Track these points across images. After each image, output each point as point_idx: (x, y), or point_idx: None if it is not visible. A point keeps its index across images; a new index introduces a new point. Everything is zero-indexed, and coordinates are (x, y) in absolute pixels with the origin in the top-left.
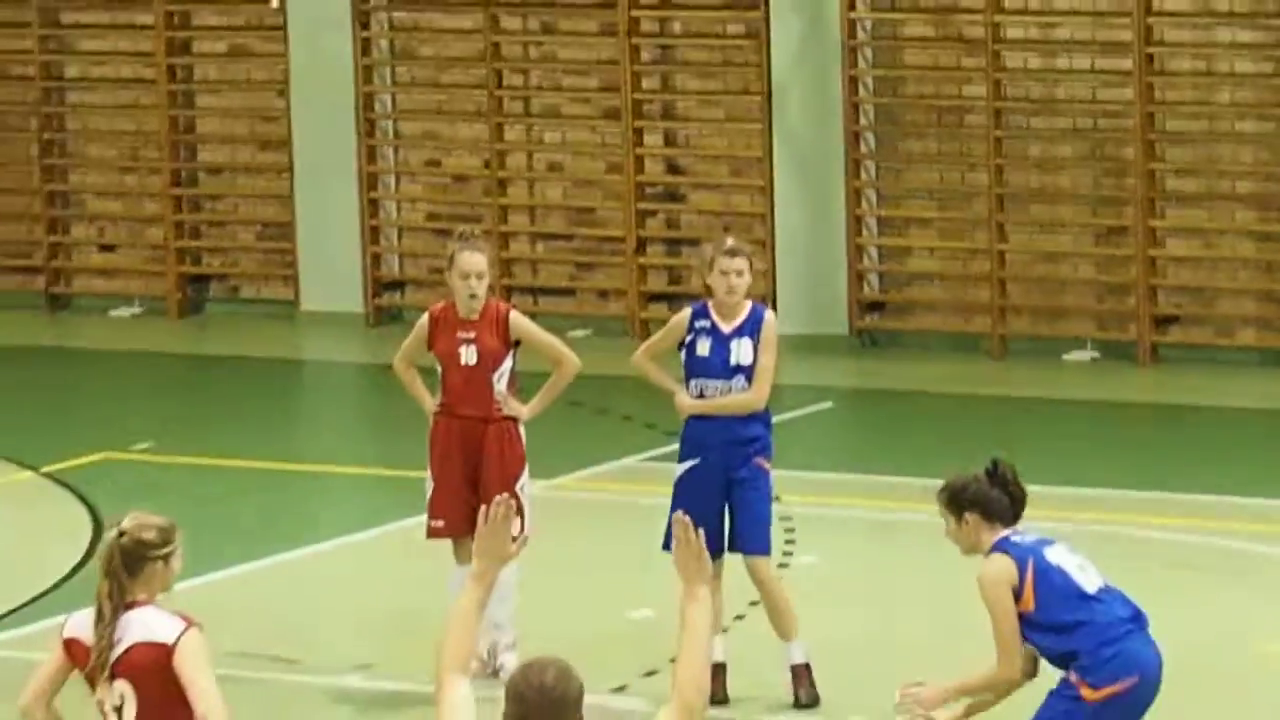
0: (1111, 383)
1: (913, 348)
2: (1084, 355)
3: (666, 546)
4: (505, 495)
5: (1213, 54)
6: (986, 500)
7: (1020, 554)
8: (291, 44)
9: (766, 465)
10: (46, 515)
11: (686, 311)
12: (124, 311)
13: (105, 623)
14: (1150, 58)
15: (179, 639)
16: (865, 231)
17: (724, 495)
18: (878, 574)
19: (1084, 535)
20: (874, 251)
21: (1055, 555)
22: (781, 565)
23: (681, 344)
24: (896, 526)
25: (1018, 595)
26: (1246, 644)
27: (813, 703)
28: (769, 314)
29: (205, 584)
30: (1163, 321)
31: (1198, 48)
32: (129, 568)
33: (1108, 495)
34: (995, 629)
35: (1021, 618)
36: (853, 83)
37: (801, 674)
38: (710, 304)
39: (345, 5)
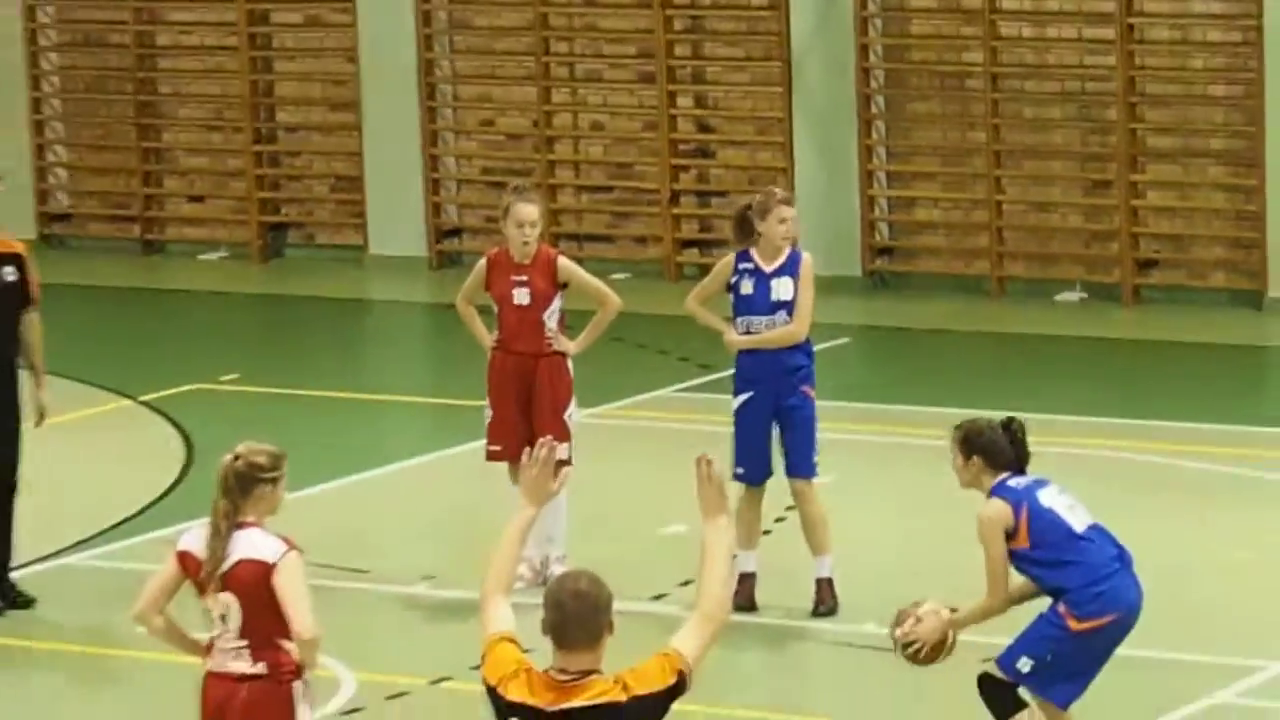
0: (1098, 321)
1: (919, 289)
2: (1073, 296)
3: (737, 477)
4: (549, 438)
5: (1188, 24)
6: (995, 449)
7: (1015, 497)
8: (360, 15)
9: (811, 392)
10: (143, 439)
11: (730, 257)
12: (211, 256)
13: (219, 538)
14: (1131, 27)
15: (280, 559)
16: (876, 184)
17: (774, 421)
18: (889, 492)
19: (1071, 459)
20: (884, 202)
21: (1047, 497)
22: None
23: (728, 286)
24: (907, 449)
25: (1013, 534)
26: (1215, 553)
27: (830, 612)
28: (806, 255)
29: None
30: (1143, 265)
31: (1174, 18)
32: (242, 488)
33: (1093, 422)
34: (988, 565)
35: (1018, 554)
36: (864, 50)
37: (825, 586)
38: (752, 249)
39: None
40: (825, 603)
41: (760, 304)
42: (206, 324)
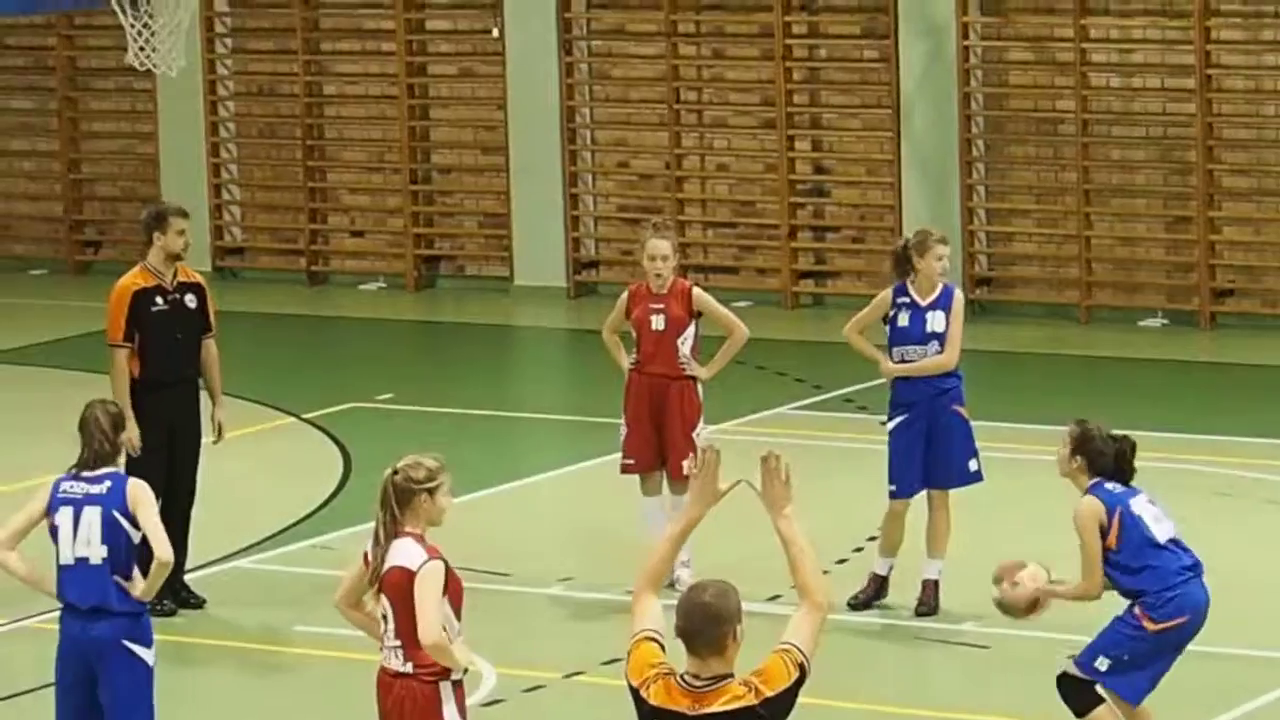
0: (1178, 345)
1: (1016, 315)
2: (1155, 322)
3: (892, 494)
4: (714, 446)
5: (1260, 75)
6: (1099, 457)
7: (1111, 500)
8: (509, 67)
9: (963, 410)
10: (306, 453)
11: (888, 291)
12: (370, 286)
13: (380, 545)
14: (1209, 78)
15: (421, 566)
16: (976, 220)
17: (928, 440)
18: (991, 501)
19: (1153, 471)
20: (984, 236)
21: (1138, 506)
22: None
23: (885, 317)
24: (1010, 463)
25: (1104, 534)
26: None
27: (930, 612)
28: (958, 291)
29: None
30: (1220, 294)
31: (1249, 69)
32: (399, 500)
33: (1174, 438)
34: (1084, 554)
35: (1103, 554)
36: (966, 98)
37: (931, 588)
38: (909, 283)
39: (553, 35)
40: (927, 602)
41: (916, 334)
42: (365, 349)
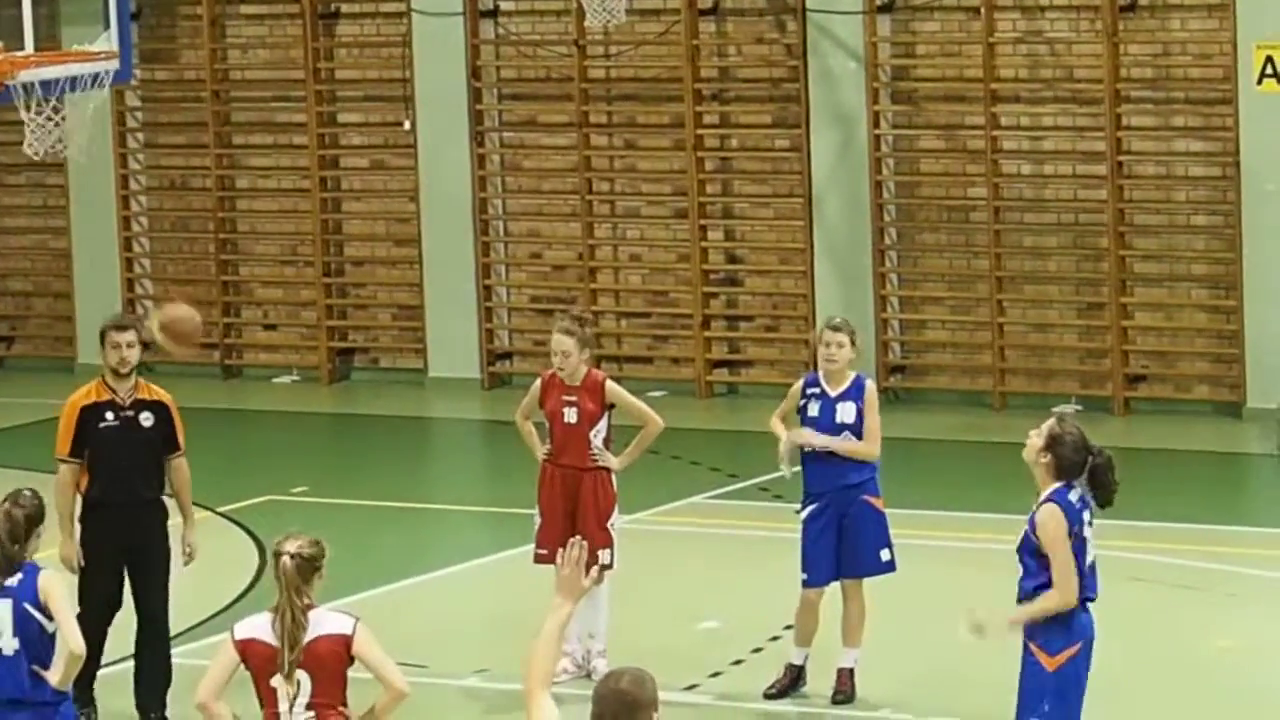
0: (1092, 430)
1: (930, 403)
2: (1069, 408)
3: (806, 584)
4: (578, 538)
5: (1171, 160)
6: (1068, 464)
7: (1071, 515)
8: (421, 159)
9: (874, 501)
10: (221, 547)
11: (800, 381)
12: (284, 379)
13: (295, 625)
14: (1120, 164)
15: (355, 629)
16: (889, 308)
17: (839, 530)
18: (906, 589)
19: None
20: (897, 324)
21: (1085, 529)
22: None
23: (798, 407)
24: (922, 550)
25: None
26: (1200, 642)
27: (847, 700)
28: (870, 382)
29: (348, 603)
30: (1133, 380)
31: (1158, 155)
32: (303, 577)
33: None
34: (1054, 561)
35: (1043, 557)
36: (878, 186)
37: (846, 676)
38: (821, 373)
39: (464, 127)
40: (844, 690)
41: (825, 425)
42: (279, 441)
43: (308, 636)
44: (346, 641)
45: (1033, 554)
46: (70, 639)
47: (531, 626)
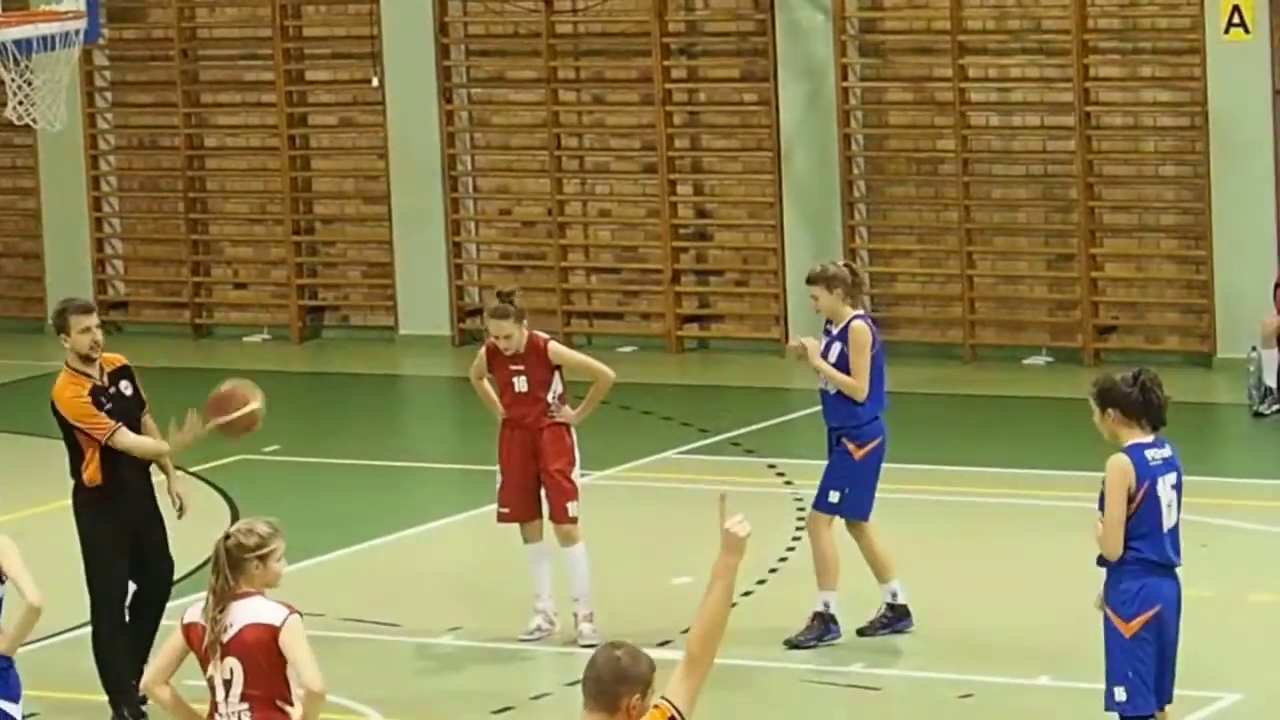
0: (1062, 382)
1: (899, 355)
2: (1039, 360)
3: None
4: (724, 492)
5: (1139, 111)
6: (1125, 400)
7: (1143, 472)
8: (389, 116)
9: (850, 446)
10: (193, 506)
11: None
12: (254, 338)
13: (219, 610)
14: (1088, 115)
15: (284, 621)
16: (859, 261)
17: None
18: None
19: (1044, 509)
20: (867, 277)
21: (1164, 486)
22: (795, 538)
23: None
24: (896, 502)
25: (1130, 497)
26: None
27: (797, 646)
28: (857, 323)
29: (320, 562)
30: (1103, 331)
31: (1127, 106)
32: (232, 566)
33: (1061, 475)
34: (1106, 510)
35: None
36: (846, 140)
37: (812, 619)
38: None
39: (432, 84)
40: (805, 635)
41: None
42: None
43: (240, 623)
44: (274, 632)
45: (1101, 506)
46: (29, 592)
47: (506, 585)
